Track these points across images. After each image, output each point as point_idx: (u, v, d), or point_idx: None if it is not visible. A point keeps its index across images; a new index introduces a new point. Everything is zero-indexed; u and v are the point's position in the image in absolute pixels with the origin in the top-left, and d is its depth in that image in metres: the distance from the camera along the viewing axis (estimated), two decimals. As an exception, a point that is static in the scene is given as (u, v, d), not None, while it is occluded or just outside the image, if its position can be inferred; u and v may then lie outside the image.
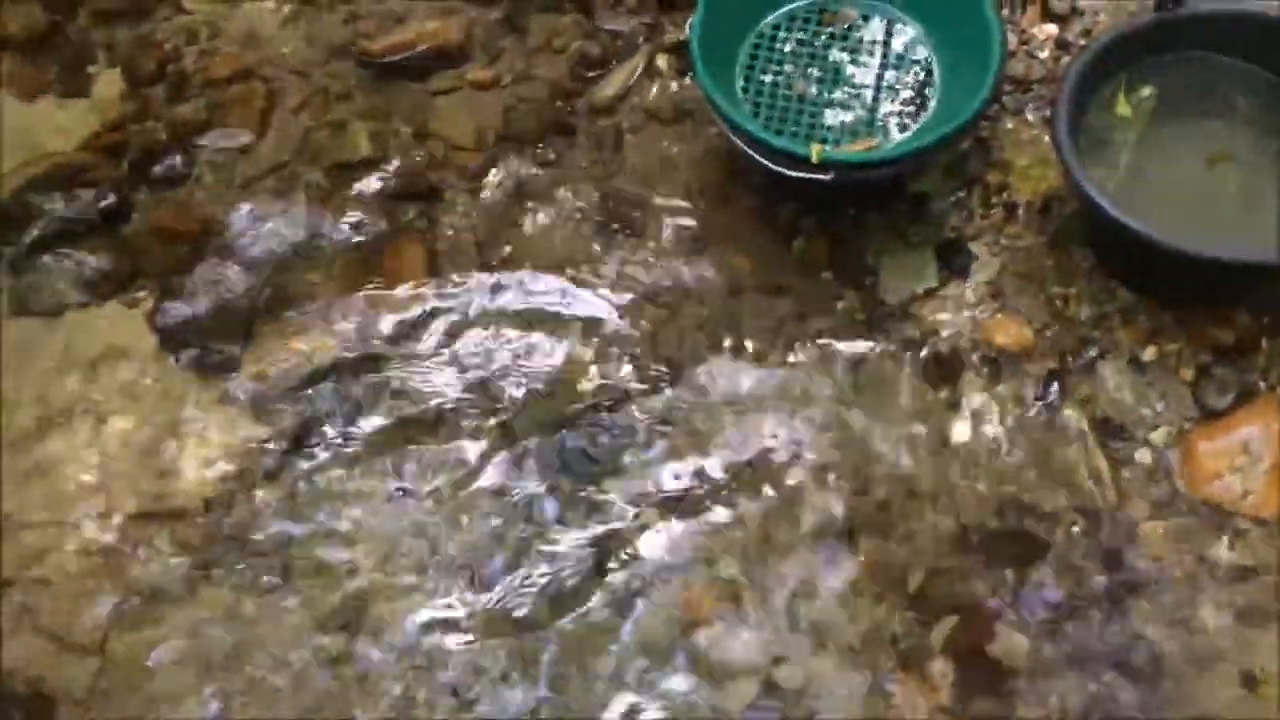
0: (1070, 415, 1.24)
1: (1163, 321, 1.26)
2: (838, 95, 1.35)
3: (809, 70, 1.37)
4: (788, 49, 1.38)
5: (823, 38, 1.38)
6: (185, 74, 1.55)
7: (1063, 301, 1.29)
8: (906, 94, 1.34)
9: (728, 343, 1.32)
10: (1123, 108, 1.28)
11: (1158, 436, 1.22)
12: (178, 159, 1.49)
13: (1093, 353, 1.26)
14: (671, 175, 1.43)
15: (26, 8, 1.58)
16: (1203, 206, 1.23)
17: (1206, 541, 1.17)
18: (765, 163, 1.24)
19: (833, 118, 1.34)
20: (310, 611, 1.21)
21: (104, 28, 1.60)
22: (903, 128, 1.32)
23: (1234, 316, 1.24)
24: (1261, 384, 1.22)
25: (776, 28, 1.38)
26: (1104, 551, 1.18)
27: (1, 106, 1.52)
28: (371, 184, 1.45)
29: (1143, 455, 1.22)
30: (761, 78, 1.36)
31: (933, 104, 1.32)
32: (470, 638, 1.19)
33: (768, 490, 1.23)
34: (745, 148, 1.25)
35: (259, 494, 1.28)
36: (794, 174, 1.21)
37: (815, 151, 1.19)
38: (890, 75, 1.35)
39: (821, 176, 1.20)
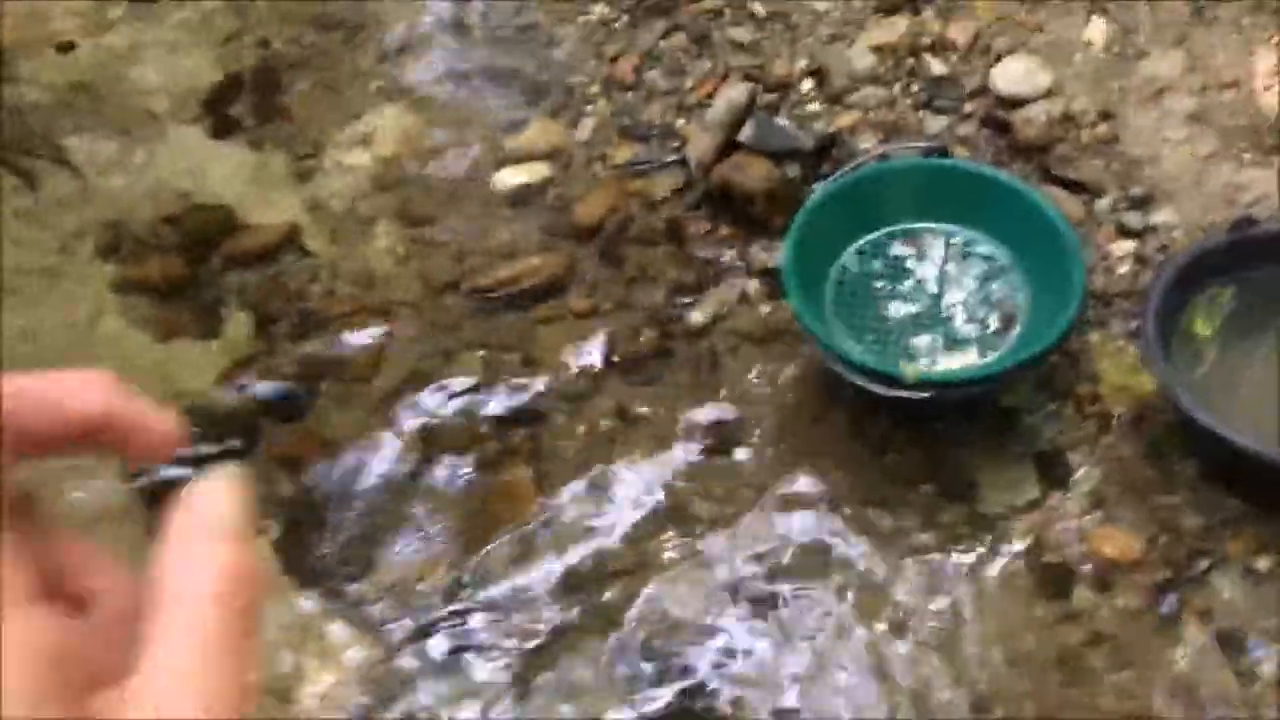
0: (1189, 629, 1.22)
1: (1274, 530, 1.25)
2: (923, 314, 1.41)
3: (895, 291, 1.44)
4: (875, 270, 1.45)
5: (908, 260, 1.46)
6: (310, 312, 1.66)
7: (1169, 511, 1.29)
8: (992, 311, 1.40)
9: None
10: (1202, 327, 1.31)
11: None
12: (301, 391, 1.58)
13: (1205, 564, 1.25)
14: (764, 395, 1.48)
15: (169, 259, 1.72)
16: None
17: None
18: (862, 384, 1.28)
19: (920, 336, 1.39)
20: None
21: (235, 272, 1.74)
22: (990, 344, 1.36)
23: (1348, 524, 1.23)
24: (1383, 593, 1.20)
25: (862, 252, 1.46)
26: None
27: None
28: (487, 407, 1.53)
29: (1268, 667, 1.19)
30: (850, 300, 1.43)
31: (1019, 320, 1.37)
32: None
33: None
34: (841, 370, 1.30)
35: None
36: (891, 394, 1.26)
37: (911, 373, 1.24)
38: (974, 293, 1.41)
39: (919, 395, 1.24)
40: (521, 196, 1.73)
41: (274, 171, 1.83)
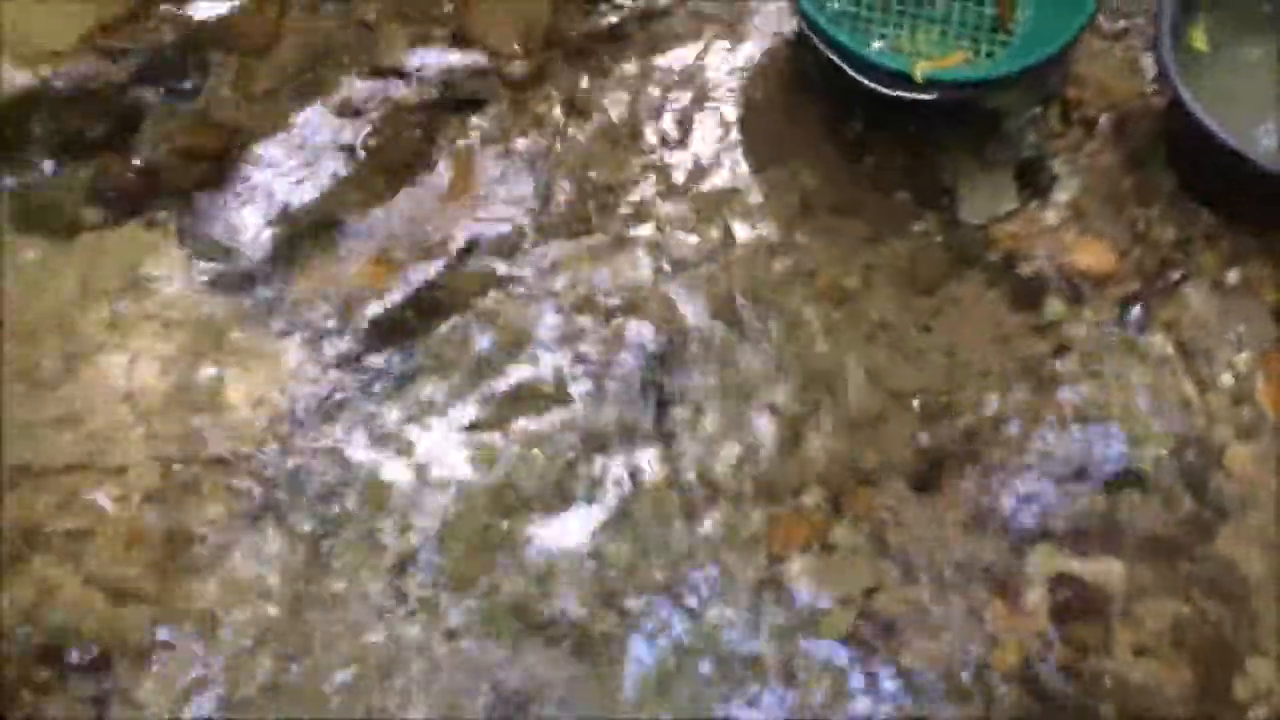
0: (1155, 339, 1.24)
1: (1246, 245, 1.26)
2: (918, 11, 1.29)
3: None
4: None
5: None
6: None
7: (1145, 223, 1.28)
8: (989, 7, 1.29)
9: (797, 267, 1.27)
10: (1200, 42, 1.25)
11: (1242, 360, 1.23)
12: (189, 68, 1.35)
13: (1176, 276, 1.26)
14: (731, 87, 1.36)
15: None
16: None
17: (1290, 464, 1.19)
18: (862, 81, 1.18)
19: (913, 29, 1.28)
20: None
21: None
22: (988, 44, 1.27)
23: (1321, 239, 1.25)
24: (1344, 307, 1.24)
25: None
26: (1192, 474, 1.19)
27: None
28: (408, 94, 1.35)
29: (1227, 378, 1.22)
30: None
31: (1021, 18, 1.27)
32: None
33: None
34: (840, 64, 1.19)
35: (313, 430, 1.20)
36: (894, 93, 1.16)
37: (920, 69, 1.14)
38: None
39: (925, 96, 1.14)
40: None
41: None
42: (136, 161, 1.30)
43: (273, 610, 1.12)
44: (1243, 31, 1.27)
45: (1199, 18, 1.25)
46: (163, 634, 1.11)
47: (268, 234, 1.27)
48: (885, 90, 1.17)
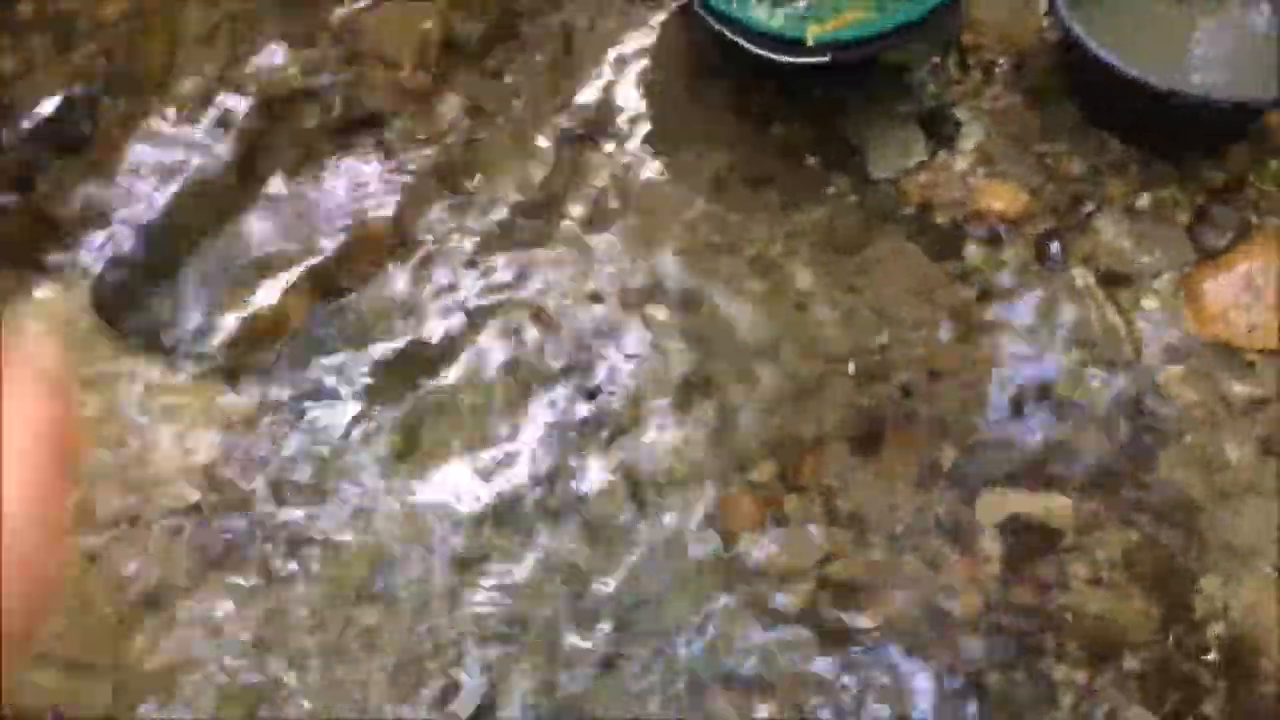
0: (1075, 272, 1.25)
1: (1154, 169, 1.27)
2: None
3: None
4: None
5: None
6: (69, 18, 1.36)
7: (1053, 159, 1.28)
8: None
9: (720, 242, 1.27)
10: None
11: (1162, 283, 1.24)
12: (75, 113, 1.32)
13: (1088, 208, 1.27)
14: (631, 74, 1.35)
15: None
16: (1181, 47, 1.23)
17: (1220, 379, 1.21)
18: (756, 51, 1.17)
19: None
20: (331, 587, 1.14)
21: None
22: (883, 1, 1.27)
23: (1226, 154, 1.26)
24: (1254, 219, 1.25)
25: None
26: (1126, 401, 1.20)
27: None
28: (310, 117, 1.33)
29: (1150, 302, 1.24)
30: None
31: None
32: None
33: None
34: (731, 36, 1.18)
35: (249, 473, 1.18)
36: (788, 60, 1.16)
37: (811, 33, 1.13)
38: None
39: (820, 59, 1.14)
40: None
41: None
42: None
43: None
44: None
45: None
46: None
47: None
48: (782, 58, 1.16)
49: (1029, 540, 1.17)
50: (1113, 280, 1.25)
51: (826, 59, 1.14)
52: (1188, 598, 1.13)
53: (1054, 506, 1.17)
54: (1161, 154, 1.27)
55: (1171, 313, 1.23)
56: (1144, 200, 1.26)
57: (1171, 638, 1.10)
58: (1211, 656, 1.08)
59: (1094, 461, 1.18)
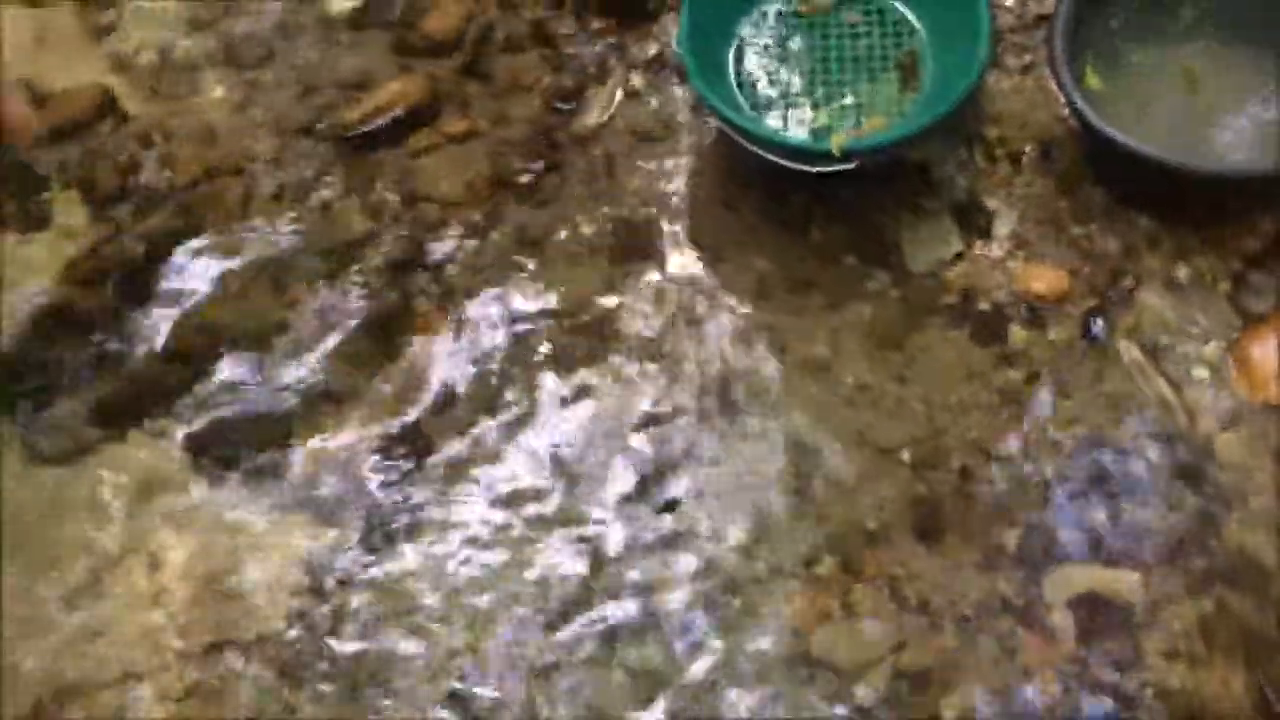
0: (1121, 347, 1.27)
1: (1187, 243, 1.30)
2: (829, 82, 1.36)
3: (797, 62, 1.37)
4: (770, 45, 1.38)
5: (803, 28, 1.39)
6: (147, 185, 1.48)
7: (1087, 240, 1.32)
8: (894, 70, 1.35)
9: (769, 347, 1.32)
10: (1094, 81, 1.31)
11: (1209, 350, 1.25)
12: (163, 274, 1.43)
13: (1128, 283, 1.29)
14: (672, 191, 1.42)
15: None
16: (1195, 125, 1.28)
17: (1278, 441, 1.21)
18: (783, 163, 1.24)
19: (829, 105, 1.34)
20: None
21: (46, 150, 1.52)
22: (899, 104, 1.33)
23: (1257, 223, 1.28)
24: (1295, 281, 1.27)
25: (757, 25, 1.38)
26: (1186, 470, 1.21)
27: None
28: (374, 259, 1.42)
29: (1199, 371, 1.25)
30: (751, 78, 1.36)
31: (925, 74, 1.33)
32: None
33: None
34: (759, 151, 1.25)
35: (337, 602, 1.23)
36: (816, 170, 1.22)
37: (836, 143, 1.19)
38: (877, 53, 1.36)
39: (847, 166, 1.20)
40: (361, 16, 1.56)
41: (62, 29, 1.59)
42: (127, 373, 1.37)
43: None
44: (1132, 50, 1.33)
45: (1087, 56, 1.30)
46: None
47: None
48: (811, 168, 1.22)
49: (1101, 616, 1.17)
50: (1159, 352, 1.26)
51: (854, 165, 1.20)
52: (1268, 665, 1.12)
53: (1122, 580, 1.18)
54: (1193, 226, 1.30)
55: (1221, 379, 1.24)
56: (1182, 272, 1.29)
57: (1253, 704, 1.09)
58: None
59: (1159, 533, 1.19)
